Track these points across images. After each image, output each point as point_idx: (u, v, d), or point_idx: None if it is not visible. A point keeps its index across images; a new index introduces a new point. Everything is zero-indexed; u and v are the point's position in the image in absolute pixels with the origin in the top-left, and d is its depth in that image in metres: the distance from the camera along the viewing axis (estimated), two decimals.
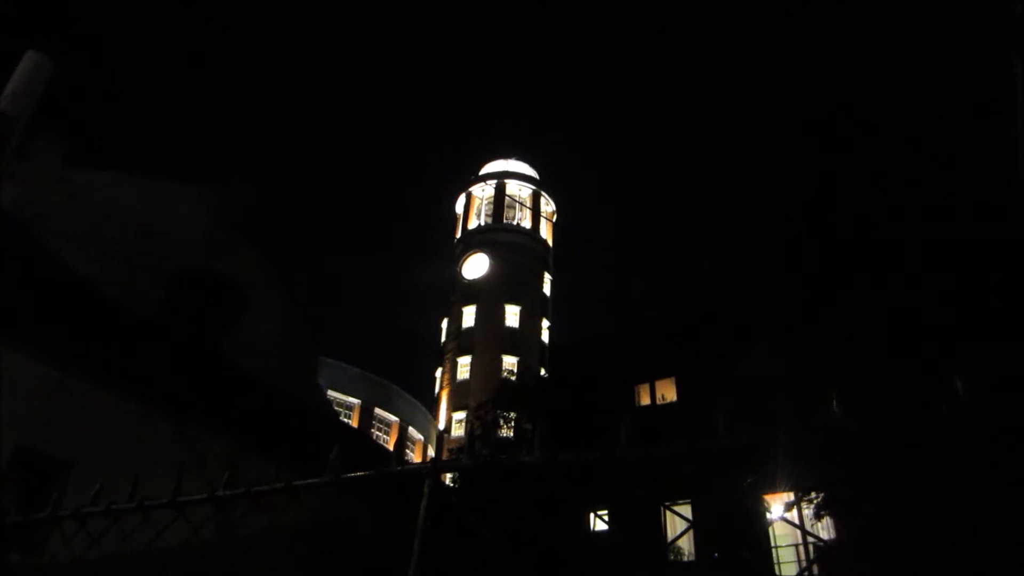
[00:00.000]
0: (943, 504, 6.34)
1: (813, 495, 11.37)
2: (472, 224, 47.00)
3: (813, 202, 11.22)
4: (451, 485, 13.76)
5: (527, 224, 46.91)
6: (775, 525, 14.92)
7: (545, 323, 44.24)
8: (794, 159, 11.95)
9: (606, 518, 16.18)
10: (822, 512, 11.09)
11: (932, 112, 10.75)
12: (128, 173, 11.82)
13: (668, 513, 15.68)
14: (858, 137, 11.11)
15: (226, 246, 12.54)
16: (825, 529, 12.81)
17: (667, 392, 19.54)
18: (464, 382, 39.66)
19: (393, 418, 37.82)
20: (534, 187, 48.70)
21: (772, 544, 15.08)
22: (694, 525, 15.60)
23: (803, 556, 14.69)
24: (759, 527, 14.42)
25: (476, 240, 45.70)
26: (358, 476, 1.64)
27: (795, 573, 14.33)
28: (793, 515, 12.94)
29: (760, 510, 15.02)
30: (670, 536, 15.84)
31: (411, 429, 38.86)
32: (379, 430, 36.85)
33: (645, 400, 19.75)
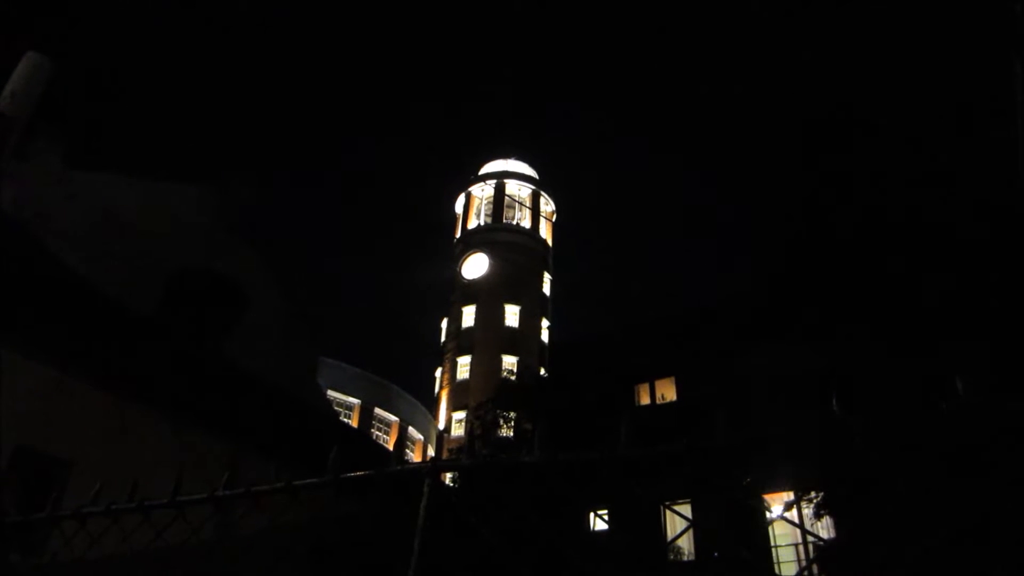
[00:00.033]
0: (943, 504, 6.34)
1: (813, 494, 11.38)
2: (472, 224, 47.00)
3: (813, 202, 11.22)
4: (451, 485, 13.77)
5: (527, 224, 46.92)
6: (775, 524, 14.93)
7: (545, 323, 44.25)
8: (794, 159, 11.96)
9: (606, 518, 16.19)
10: (822, 511, 11.10)
11: (932, 112, 10.76)
12: (128, 173, 11.82)
13: (668, 512, 15.69)
14: (858, 137, 11.12)
15: (226, 246, 12.54)
16: (825, 528, 12.81)
17: (667, 392, 19.55)
18: (464, 382, 39.66)
19: (393, 418, 37.83)
20: (534, 187, 48.71)
21: (772, 543, 15.08)
22: (694, 524, 15.60)
23: (803, 555, 14.69)
24: (759, 526, 14.43)
25: (476, 240, 45.71)
26: (358, 476, 1.64)
27: (795, 572, 14.34)
28: (793, 514, 12.94)
29: (760, 509, 15.02)
30: (670, 535, 15.84)
31: (411, 429, 38.87)
32: (379, 430, 36.86)
33: (645, 400, 19.76)
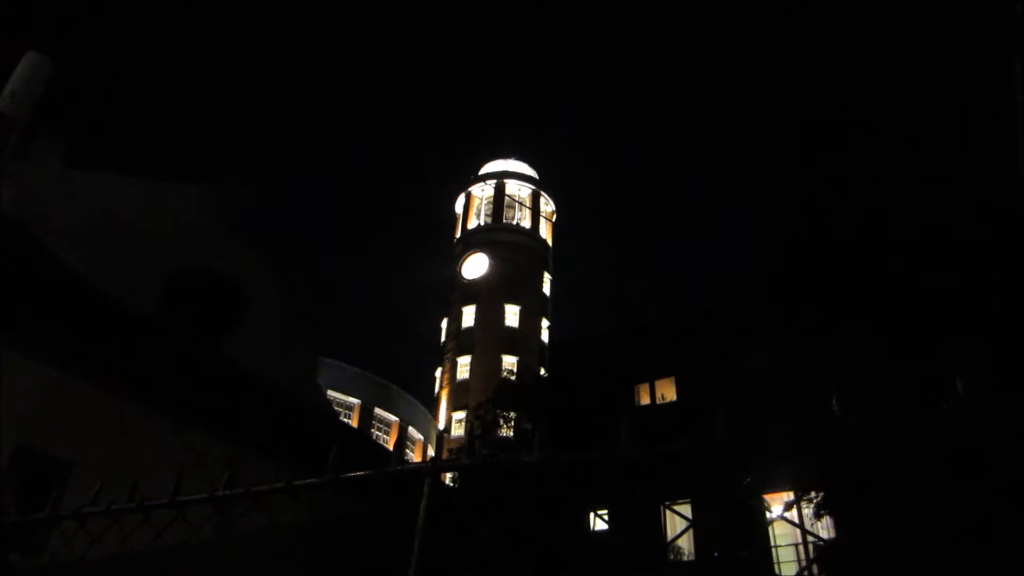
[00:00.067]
0: (943, 504, 6.34)
1: (813, 494, 11.38)
2: (472, 224, 47.00)
3: (813, 202, 11.22)
4: (451, 485, 13.77)
5: (527, 224, 46.92)
6: (775, 524, 14.93)
7: (545, 323, 44.25)
8: (794, 159, 11.97)
9: (606, 517, 16.19)
10: (822, 511, 11.10)
11: (932, 112, 10.76)
12: (128, 173, 11.82)
13: (668, 512, 15.69)
14: (858, 137, 11.12)
15: (226, 246, 12.54)
16: (825, 528, 12.81)
17: (667, 392, 19.54)
18: (464, 382, 39.66)
19: (393, 418, 37.83)
20: (533, 187, 48.71)
21: (772, 543, 15.08)
22: (694, 524, 15.61)
23: (803, 555, 14.69)
24: (759, 526, 14.43)
25: (476, 240, 45.71)
26: (358, 476, 1.64)
27: (795, 572, 14.33)
28: (793, 514, 12.94)
29: (760, 509, 15.02)
30: (670, 535, 15.84)
31: (411, 429, 38.87)
32: (379, 430, 36.86)
33: (645, 400, 19.75)
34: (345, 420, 32.34)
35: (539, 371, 30.29)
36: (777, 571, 14.67)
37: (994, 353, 7.81)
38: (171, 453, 7.72)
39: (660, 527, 15.52)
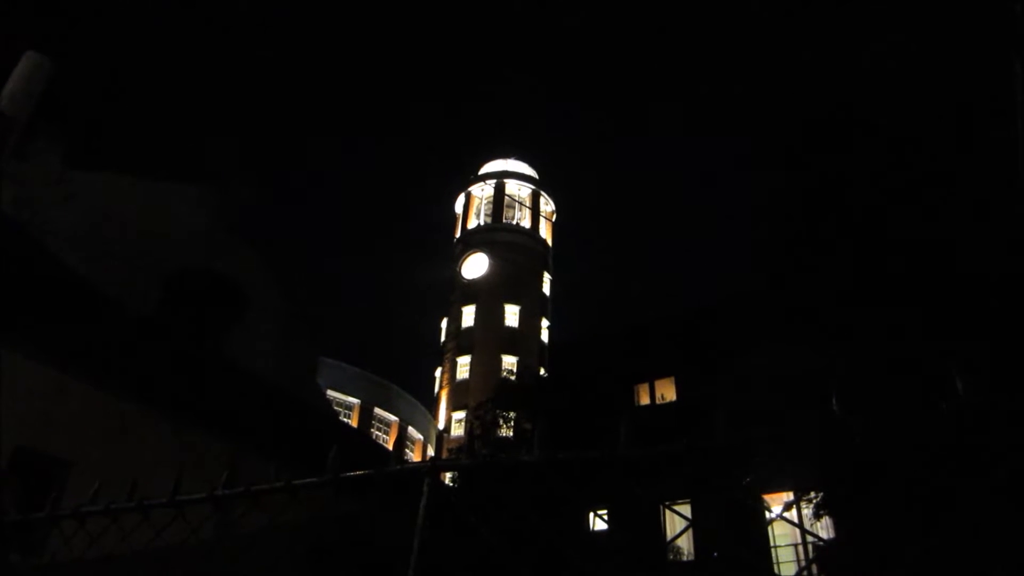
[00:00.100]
0: (943, 504, 6.34)
1: (812, 494, 11.38)
2: (472, 224, 47.00)
3: (813, 202, 11.21)
4: (451, 484, 13.77)
5: (526, 224, 46.92)
6: (774, 524, 14.93)
7: (544, 323, 44.26)
8: (794, 159, 11.95)
9: (606, 517, 16.19)
10: (821, 511, 11.10)
11: (932, 112, 10.75)
12: (128, 173, 11.81)
13: (668, 512, 15.69)
14: (858, 137, 11.11)
15: (226, 246, 12.53)
16: (824, 528, 12.81)
17: (666, 392, 19.54)
18: (464, 382, 39.67)
19: (393, 418, 37.83)
20: (533, 187, 48.72)
21: (771, 543, 15.08)
22: (693, 524, 15.61)
23: (802, 555, 14.70)
24: (758, 526, 14.43)
25: (476, 240, 45.71)
26: (357, 475, 1.64)
27: (794, 572, 14.33)
28: (792, 514, 12.94)
29: (759, 509, 15.02)
30: (669, 535, 15.85)
31: (411, 429, 38.87)
32: (379, 430, 36.86)
33: (644, 400, 19.75)
34: (345, 420, 32.34)
35: (539, 371, 30.28)
36: (776, 571, 14.67)
37: (994, 353, 7.81)
38: (171, 453, 7.72)
39: (660, 527, 15.52)
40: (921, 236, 9.66)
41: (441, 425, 39.65)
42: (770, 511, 15.08)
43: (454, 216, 49.14)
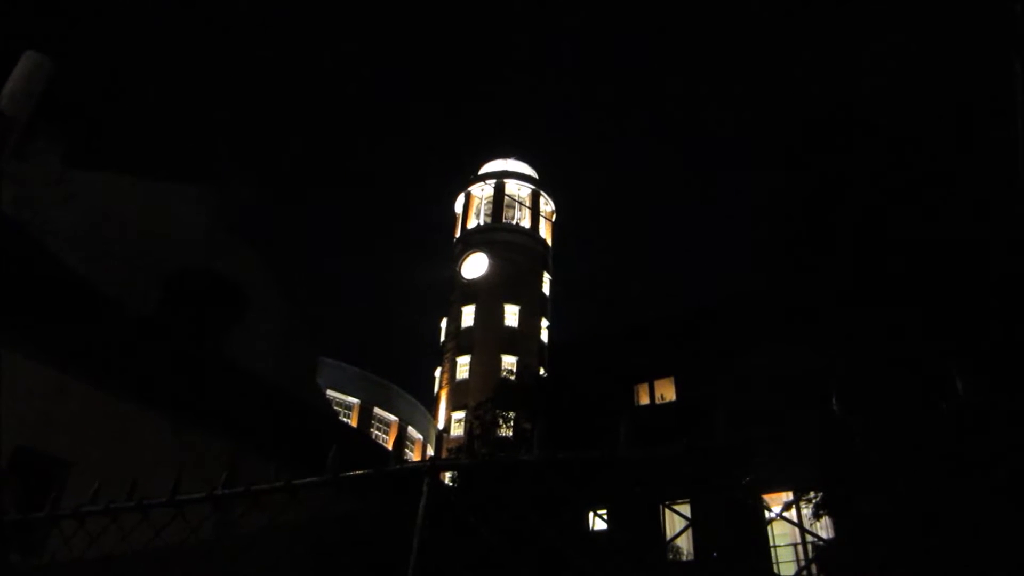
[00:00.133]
0: (943, 503, 6.34)
1: (812, 494, 11.38)
2: (471, 224, 47.00)
3: (813, 202, 11.21)
4: (450, 484, 13.77)
5: (526, 224, 46.92)
6: (774, 524, 14.93)
7: (544, 323, 44.25)
8: (794, 159, 11.95)
9: (605, 517, 16.19)
10: (821, 511, 11.10)
11: (932, 112, 10.75)
12: (127, 173, 11.81)
13: (667, 512, 15.69)
14: (858, 137, 11.11)
15: (226, 246, 12.53)
16: (824, 528, 12.81)
17: (666, 392, 19.54)
18: (463, 381, 39.66)
19: (392, 418, 37.82)
20: (533, 186, 48.72)
21: (771, 543, 15.08)
22: (693, 523, 15.61)
23: (802, 555, 14.70)
24: (758, 526, 14.44)
25: (475, 240, 45.71)
26: (357, 475, 1.64)
27: (794, 572, 14.34)
28: (792, 514, 12.94)
29: (759, 509, 15.03)
30: (669, 535, 15.85)
31: (410, 429, 38.87)
32: (378, 430, 36.86)
33: (644, 400, 19.75)
34: (344, 420, 32.33)
35: (538, 371, 30.27)
36: (776, 571, 14.67)
37: (994, 353, 7.81)
38: (171, 453, 7.72)
39: (660, 527, 15.52)
40: (921, 236, 9.66)
41: (441, 425, 39.65)
42: (770, 511, 15.07)
43: (454, 216, 49.14)
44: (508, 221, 46.57)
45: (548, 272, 46.78)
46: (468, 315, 42.55)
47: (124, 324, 8.44)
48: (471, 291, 43.33)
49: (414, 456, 37.97)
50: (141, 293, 9.89)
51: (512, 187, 48.10)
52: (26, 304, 7.27)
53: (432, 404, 41.94)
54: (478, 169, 49.84)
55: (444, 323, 44.65)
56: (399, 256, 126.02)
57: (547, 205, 49.48)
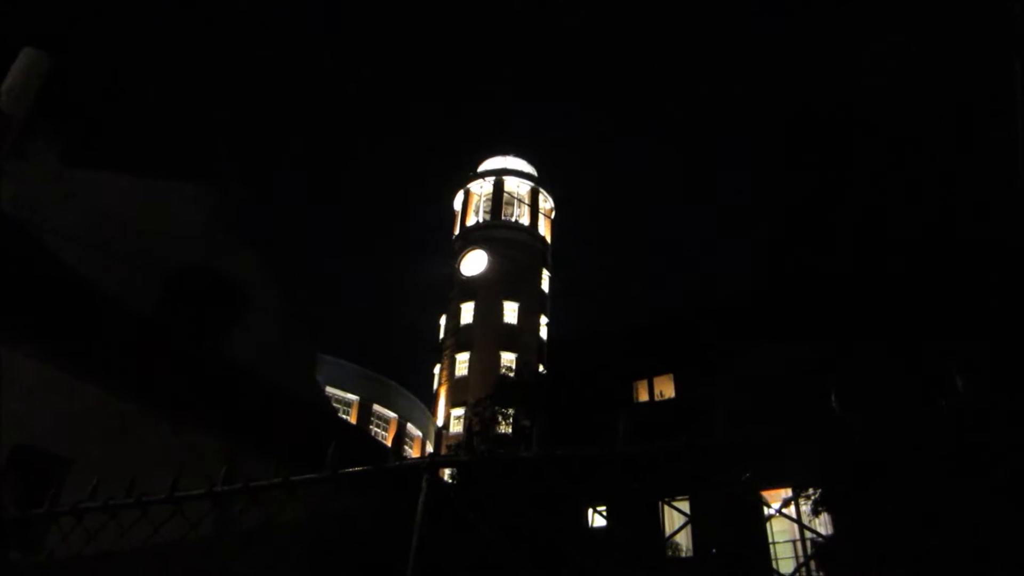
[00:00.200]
0: (943, 503, 6.35)
1: (811, 491, 11.40)
2: (471, 221, 46.98)
3: (813, 202, 11.21)
4: (449, 481, 13.78)
5: (525, 221, 46.90)
6: (773, 521, 14.95)
7: (543, 320, 44.26)
8: (794, 159, 11.95)
9: (604, 514, 16.21)
10: (820, 508, 11.12)
11: (932, 112, 10.74)
12: (127, 172, 11.78)
13: (666, 509, 15.71)
14: (858, 137, 11.11)
15: (226, 246, 12.52)
16: (823, 525, 12.83)
17: (665, 389, 19.55)
18: (463, 378, 39.68)
19: (391, 414, 37.84)
20: (532, 184, 48.70)
21: (770, 540, 15.10)
22: (692, 520, 15.62)
23: (801, 552, 14.72)
24: (757, 523, 14.45)
25: (474, 237, 45.70)
26: (356, 472, 1.64)
27: (793, 569, 14.34)
28: (791, 511, 12.96)
29: (758, 506, 15.04)
30: (668, 532, 15.86)
31: (409, 425, 38.88)
32: (377, 426, 36.86)
33: (643, 397, 19.76)
34: (343, 416, 32.34)
35: (538, 368, 30.27)
36: (775, 567, 14.70)
37: (994, 353, 7.81)
38: (170, 451, 7.72)
39: (659, 523, 15.54)
40: (921, 236, 9.66)
41: (440, 422, 39.67)
42: (769, 507, 15.09)
43: (453, 213, 49.12)
44: (507, 218, 46.54)
45: (547, 269, 46.77)
46: (467, 312, 42.55)
47: (124, 323, 8.44)
48: (470, 288, 43.32)
49: (413, 453, 37.98)
50: (141, 293, 9.88)
51: (511, 184, 48.07)
52: (25, 303, 7.26)
53: (431, 401, 41.95)
54: (477, 166, 49.81)
55: (443, 320, 44.65)
56: (399, 256, 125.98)
57: (546, 202, 49.46)
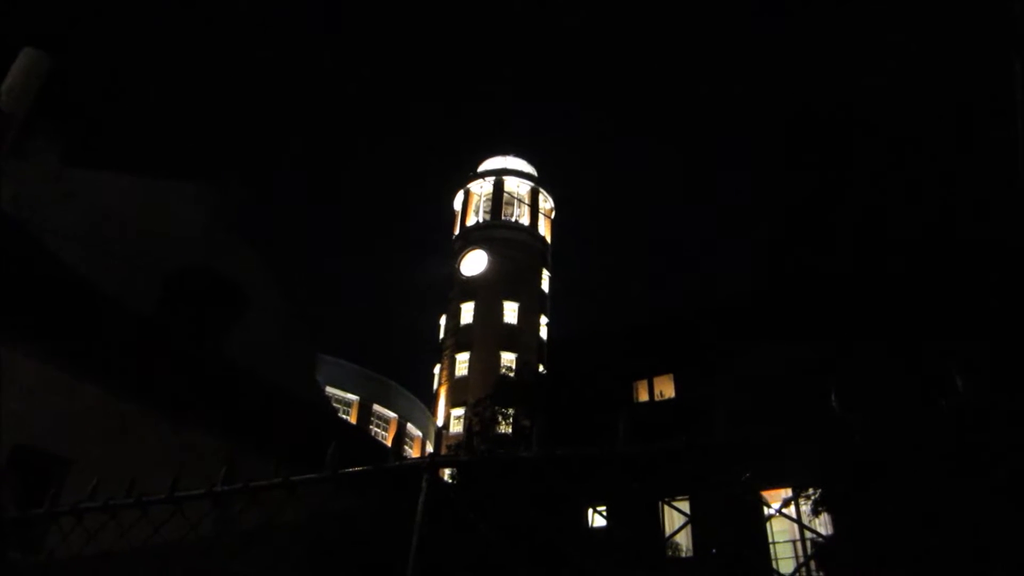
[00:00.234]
0: (942, 502, 6.35)
1: (811, 491, 11.40)
2: (471, 221, 46.99)
3: (813, 202, 11.22)
4: (449, 481, 13.78)
5: (525, 221, 46.91)
6: (773, 521, 14.95)
7: (543, 320, 44.26)
8: (794, 159, 11.95)
9: (604, 513, 16.21)
10: (820, 508, 11.12)
11: (932, 112, 10.74)
12: (127, 172, 11.78)
13: (666, 508, 15.72)
14: (858, 137, 11.11)
15: (226, 246, 12.52)
16: (823, 525, 12.84)
17: (665, 389, 19.55)
18: (463, 378, 39.68)
19: (391, 414, 37.83)
20: (532, 184, 48.70)
21: (770, 540, 15.11)
22: (692, 520, 15.62)
23: (801, 552, 14.72)
24: (757, 523, 14.45)
25: (475, 237, 45.70)
26: (356, 472, 1.64)
27: (793, 569, 14.33)
28: (791, 511, 12.96)
29: (758, 505, 15.04)
30: (668, 532, 15.86)
31: (409, 425, 38.88)
32: (377, 426, 36.87)
33: (643, 397, 19.76)
34: (343, 416, 32.33)
35: (538, 368, 30.27)
36: (775, 567, 14.70)
37: (994, 353, 7.81)
38: (170, 451, 7.71)
39: (659, 523, 15.54)
40: (921, 236, 9.66)
41: (440, 422, 39.67)
42: (769, 507, 15.09)
43: (453, 213, 49.12)
44: (507, 218, 46.54)
45: (547, 269, 46.77)
46: (467, 312, 42.55)
47: (124, 323, 8.44)
48: (470, 288, 43.32)
49: (413, 453, 37.98)
50: (141, 293, 9.88)
51: (511, 184, 48.07)
52: (25, 303, 7.26)
53: (431, 401, 41.95)
54: (477, 166, 49.82)
55: (443, 320, 44.65)
56: (399, 256, 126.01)
57: (546, 202, 49.46)
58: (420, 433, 39.83)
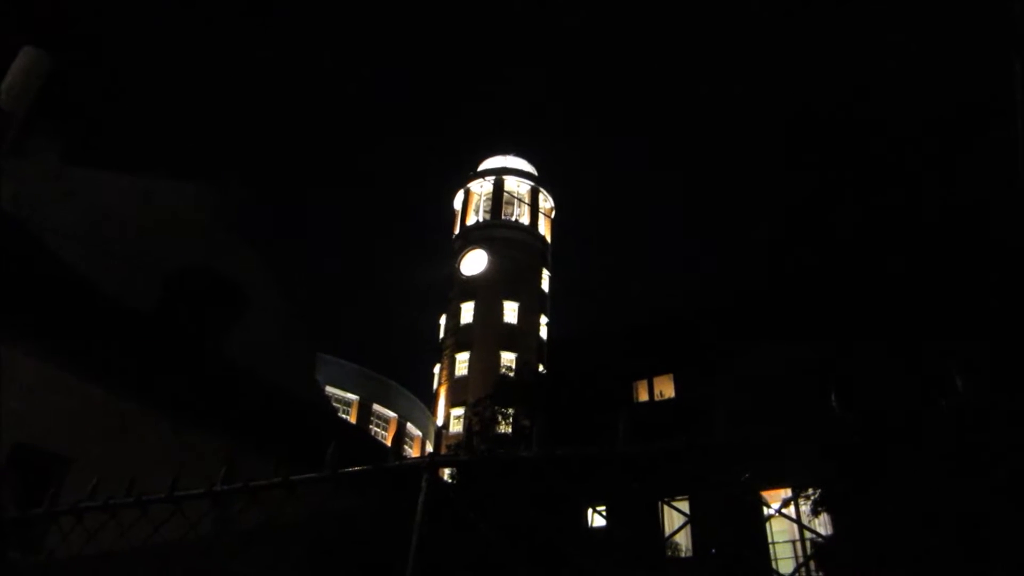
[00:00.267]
0: (942, 502, 6.35)
1: (811, 491, 11.40)
2: (471, 220, 46.99)
3: (813, 202, 11.22)
4: (449, 481, 13.79)
5: (525, 220, 46.91)
6: (772, 521, 14.96)
7: (543, 319, 44.26)
8: (794, 159, 11.95)
9: (604, 513, 16.21)
10: (819, 508, 11.13)
11: (932, 112, 10.75)
12: (127, 172, 11.77)
13: (666, 508, 15.72)
14: (858, 137, 11.11)
15: (226, 246, 12.51)
16: (823, 525, 12.84)
17: (665, 389, 19.55)
18: (462, 378, 39.68)
19: (391, 414, 37.84)
20: (532, 183, 48.70)
21: (770, 540, 15.11)
22: (691, 520, 15.63)
23: (800, 552, 14.72)
24: (757, 523, 14.46)
25: (474, 236, 45.70)
26: (356, 471, 1.64)
27: (792, 569, 14.35)
28: (791, 511, 12.96)
29: (758, 506, 15.04)
30: (668, 532, 15.87)
31: (409, 425, 38.89)
32: (377, 426, 36.87)
33: (643, 397, 19.77)
34: (343, 416, 32.34)
35: (537, 367, 30.27)
36: (775, 567, 14.70)
37: (994, 353, 7.81)
38: (170, 451, 7.72)
39: (658, 523, 15.54)
40: (921, 236, 9.67)
41: (440, 421, 39.67)
42: (769, 507, 15.09)
43: (453, 213, 49.12)
44: (507, 218, 46.54)
45: (547, 269, 46.77)
46: (467, 312, 42.55)
47: (124, 323, 8.44)
48: (470, 288, 43.32)
49: (413, 452, 37.99)
50: (140, 292, 9.87)
51: (511, 183, 48.06)
52: (25, 302, 7.26)
53: (431, 401, 41.96)
54: (477, 166, 49.81)
55: (443, 320, 44.65)
56: (399, 256, 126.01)
57: (546, 202, 49.46)
58: (420, 433, 39.84)
